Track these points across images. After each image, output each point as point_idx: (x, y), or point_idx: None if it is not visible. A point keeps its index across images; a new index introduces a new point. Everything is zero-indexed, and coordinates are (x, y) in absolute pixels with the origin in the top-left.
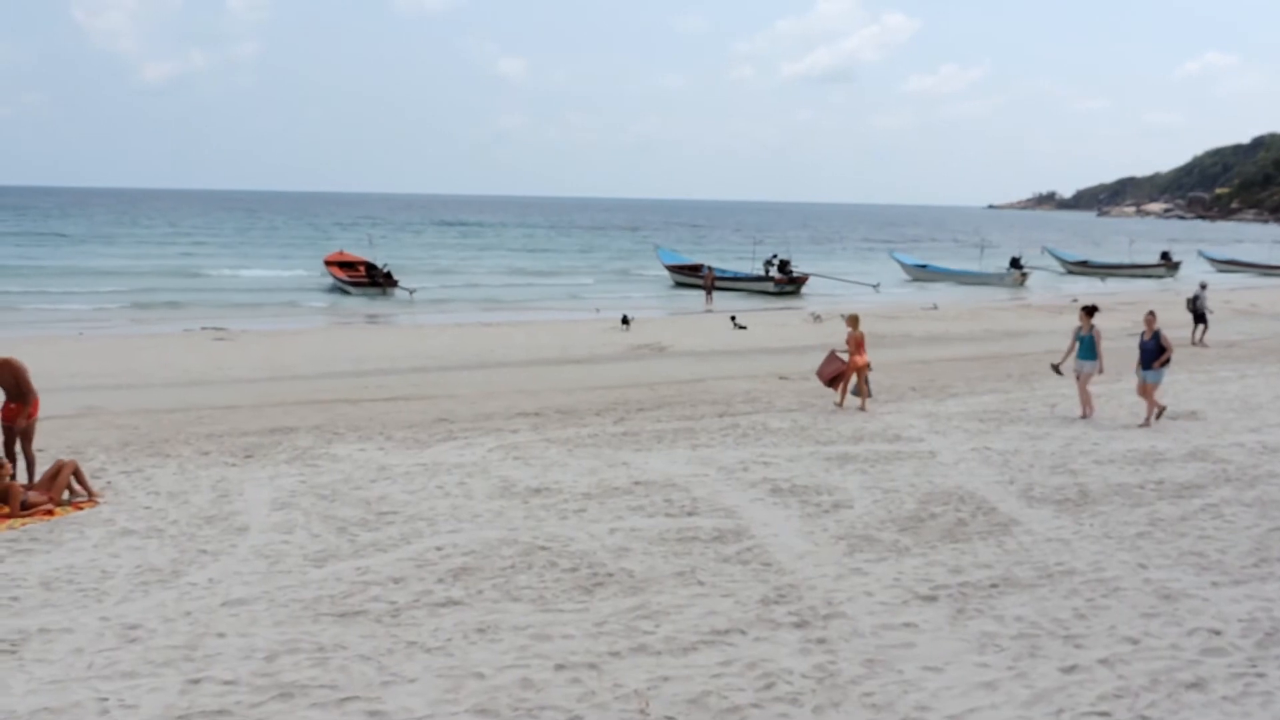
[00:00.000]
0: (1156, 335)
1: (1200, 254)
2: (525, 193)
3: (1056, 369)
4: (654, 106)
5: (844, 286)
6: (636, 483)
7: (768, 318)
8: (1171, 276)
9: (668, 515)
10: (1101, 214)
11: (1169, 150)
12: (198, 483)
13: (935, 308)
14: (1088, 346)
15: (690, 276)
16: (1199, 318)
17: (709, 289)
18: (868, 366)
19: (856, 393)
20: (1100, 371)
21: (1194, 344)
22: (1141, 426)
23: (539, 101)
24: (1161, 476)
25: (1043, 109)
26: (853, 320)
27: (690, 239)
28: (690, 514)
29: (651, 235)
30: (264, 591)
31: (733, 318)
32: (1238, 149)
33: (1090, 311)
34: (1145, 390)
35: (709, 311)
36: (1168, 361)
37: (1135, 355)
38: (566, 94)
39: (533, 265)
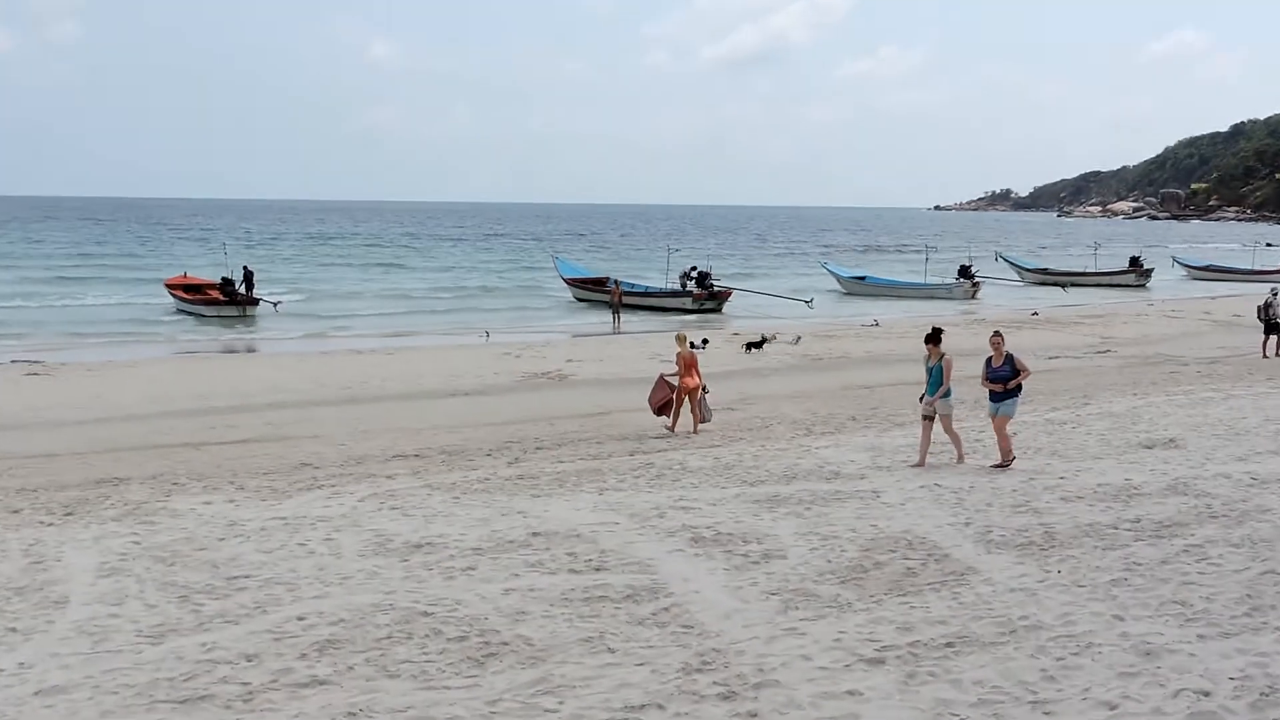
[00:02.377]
0: (1009, 359)
1: (1175, 260)
2: (403, 197)
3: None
4: (553, 97)
5: (773, 302)
6: (535, 534)
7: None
8: (1144, 285)
9: (572, 571)
10: (1063, 214)
11: (1138, 142)
12: (5, 547)
13: (876, 325)
14: (936, 380)
15: (594, 292)
16: (1271, 328)
17: (616, 307)
18: (701, 389)
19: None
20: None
21: (1265, 356)
22: (996, 468)
23: (417, 91)
24: (1138, 514)
25: (995, 96)
26: (680, 339)
27: (595, 248)
28: (598, 569)
29: (550, 244)
30: (87, 676)
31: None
32: (1215, 138)
33: (936, 338)
34: (995, 425)
35: (617, 333)
36: (1018, 390)
37: (1105, 377)
38: (450, 83)
39: (411, 284)
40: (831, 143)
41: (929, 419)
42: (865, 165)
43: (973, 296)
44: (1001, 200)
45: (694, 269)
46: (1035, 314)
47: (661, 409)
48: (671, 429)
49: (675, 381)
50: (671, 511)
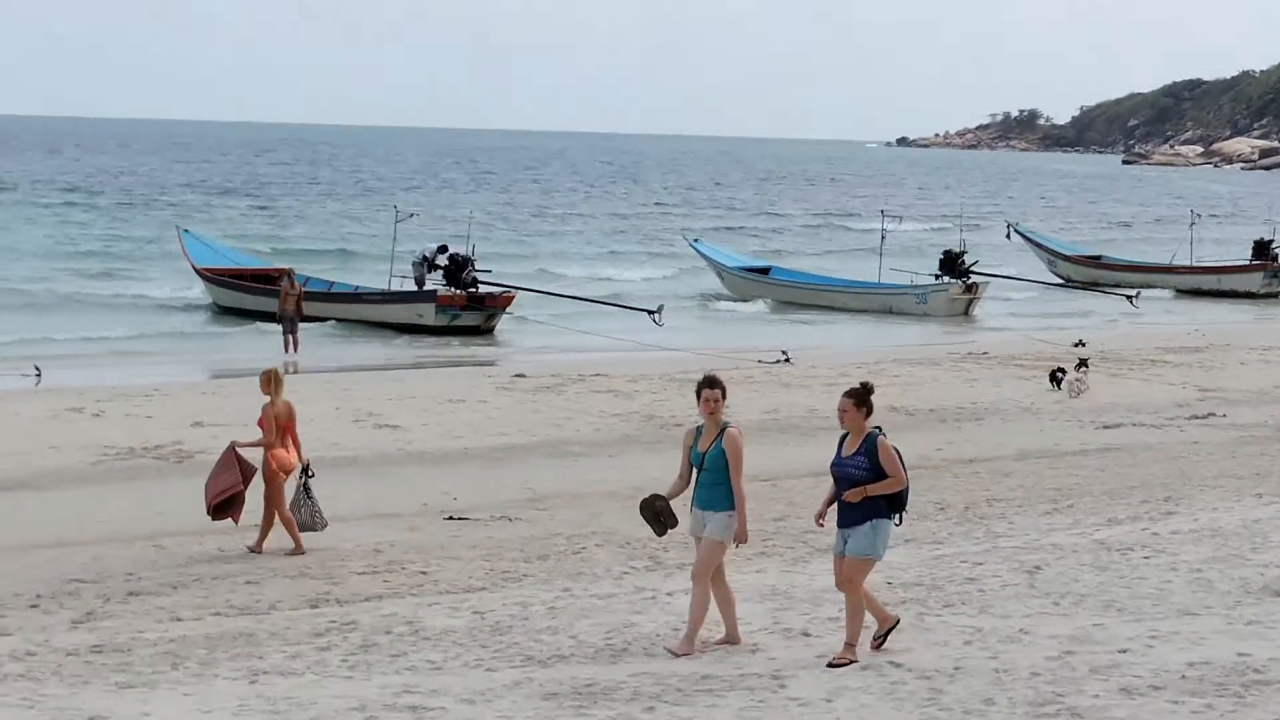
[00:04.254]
0: (870, 447)
1: None
2: None
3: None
4: None
5: (595, 313)
6: None
7: (426, 384)
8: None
9: None
10: (1133, 158)
11: (1259, 37)
12: None
13: (786, 360)
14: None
15: (249, 292)
16: None
17: (291, 317)
18: (304, 472)
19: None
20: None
21: None
22: (877, 647)
23: None
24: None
25: None
26: (268, 380)
27: (268, 208)
28: None
29: (178, 201)
30: None
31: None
32: None
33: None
34: (845, 572)
35: (292, 369)
36: (889, 506)
37: (1204, 463)
38: None
39: None
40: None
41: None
42: (781, 70)
43: (966, 311)
44: (1022, 130)
45: (441, 250)
46: (1081, 344)
47: (223, 506)
48: (257, 548)
49: (256, 456)
50: (389, 717)
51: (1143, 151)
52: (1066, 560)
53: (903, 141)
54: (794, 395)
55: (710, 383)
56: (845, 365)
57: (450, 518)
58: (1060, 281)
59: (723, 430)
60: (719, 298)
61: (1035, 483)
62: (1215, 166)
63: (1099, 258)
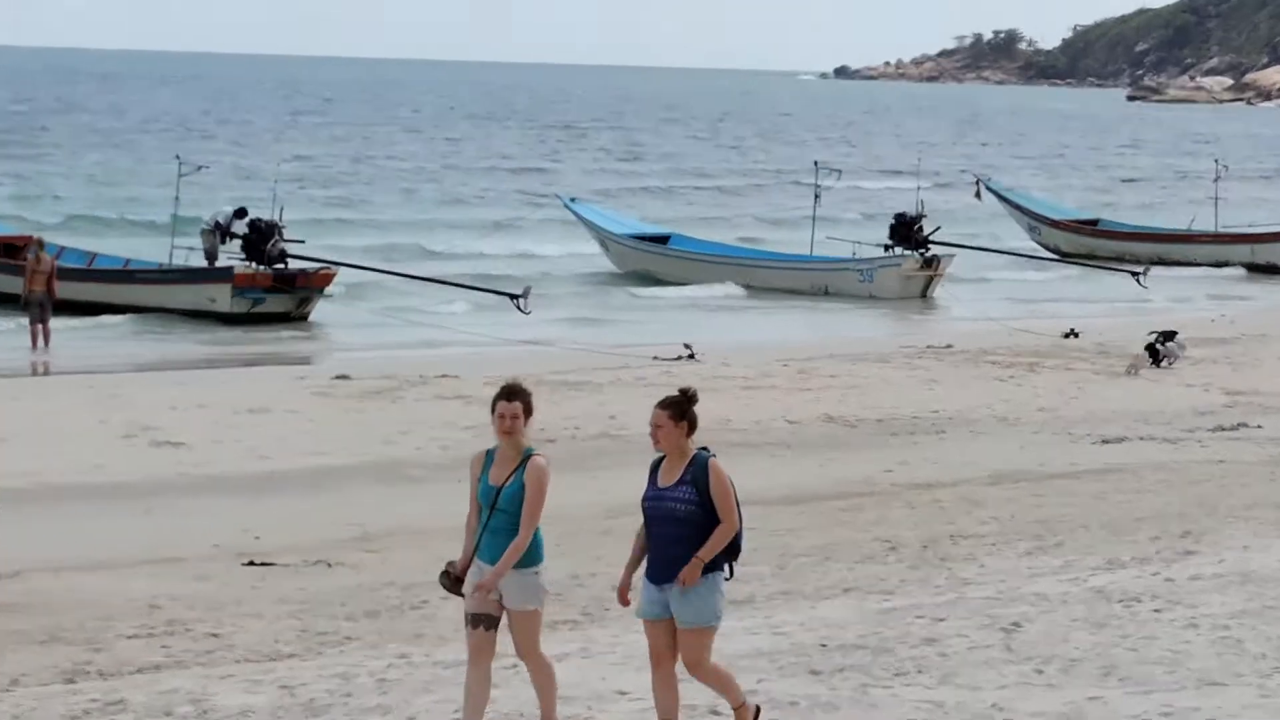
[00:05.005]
0: (698, 473)
1: None
2: None
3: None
4: None
5: (434, 294)
6: None
7: (219, 389)
8: None
9: None
10: (1140, 93)
11: None
12: None
13: (690, 357)
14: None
15: None
16: None
17: (41, 301)
18: None
19: None
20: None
21: None
22: None
23: None
24: None
25: None
26: None
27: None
28: None
29: None
30: None
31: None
32: None
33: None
34: (681, 643)
35: (40, 371)
36: (724, 559)
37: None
38: None
39: None
40: None
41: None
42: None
43: (924, 292)
44: (998, 57)
45: (238, 215)
46: (1073, 334)
47: None
48: None
49: None
50: None
51: (1154, 85)
52: (1054, 615)
53: (843, 72)
54: (701, 402)
55: (508, 392)
56: (767, 363)
57: (251, 563)
58: (1046, 254)
59: (525, 458)
60: (609, 276)
61: (1014, 514)
62: (1249, 104)
63: (1096, 223)
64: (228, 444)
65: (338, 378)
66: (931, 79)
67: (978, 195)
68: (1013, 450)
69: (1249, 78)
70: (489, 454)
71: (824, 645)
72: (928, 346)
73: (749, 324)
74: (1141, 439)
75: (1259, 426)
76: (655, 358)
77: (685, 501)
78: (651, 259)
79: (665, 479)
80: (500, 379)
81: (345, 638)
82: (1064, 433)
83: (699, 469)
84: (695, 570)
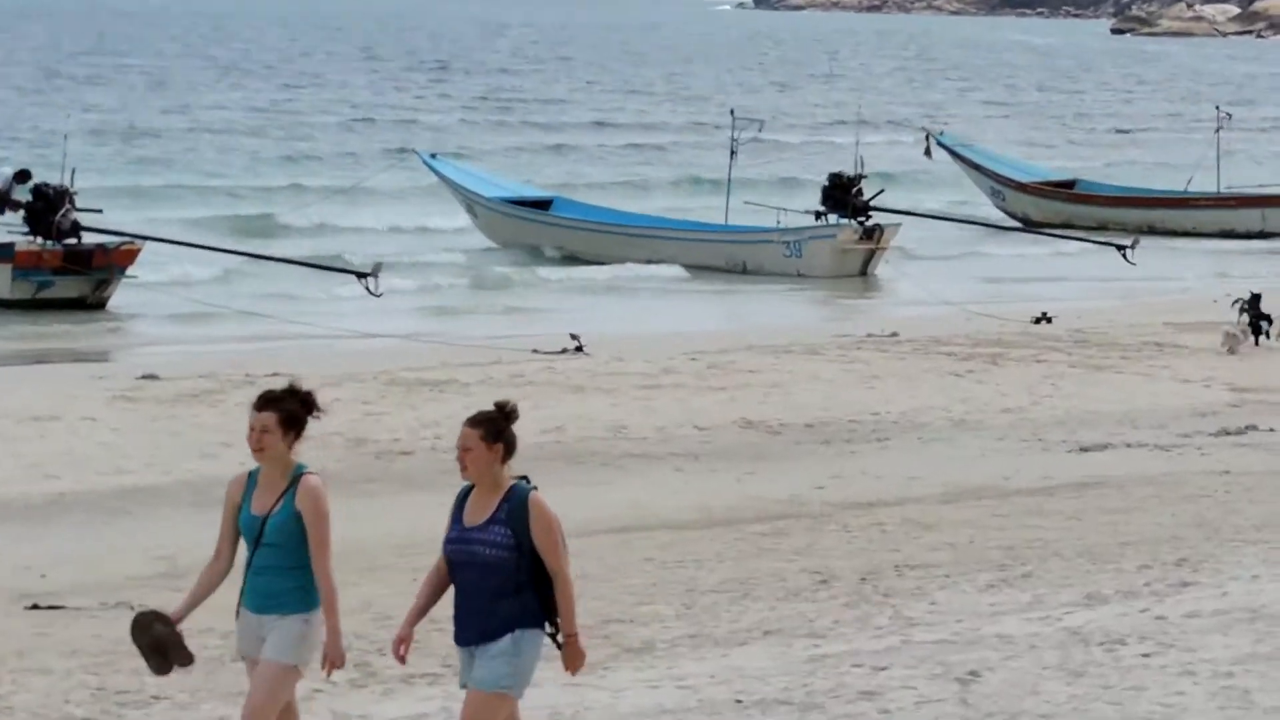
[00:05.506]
0: (516, 509)
1: None
2: None
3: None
4: None
5: (267, 275)
6: None
7: (4, 392)
8: None
9: None
10: (1127, 24)
11: None
12: None
13: (578, 349)
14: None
15: None
16: None
17: None
18: None
19: None
20: None
21: None
22: None
23: None
24: None
25: None
26: None
27: None
28: None
29: None
30: None
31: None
32: None
33: (494, 428)
34: (468, 709)
35: None
36: (540, 612)
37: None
38: None
39: None
40: None
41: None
42: None
43: (864, 269)
44: None
45: (19, 179)
46: (1045, 319)
47: None
48: None
49: None
50: None
51: (1143, 14)
52: (1020, 661)
53: (763, 2)
54: (590, 404)
55: (261, 400)
56: (671, 356)
57: (34, 606)
58: (1013, 223)
59: (295, 479)
60: (480, 255)
61: (973, 539)
62: (1258, 36)
63: (1073, 185)
64: (6, 461)
65: (144, 378)
66: (873, 8)
67: (927, 152)
68: (971, 461)
69: (1259, 5)
70: (251, 477)
71: (739, 701)
72: (868, 335)
73: (650, 309)
74: (1128, 446)
75: (1271, 430)
76: (535, 351)
77: (496, 545)
78: (530, 228)
79: (473, 515)
80: (344, 377)
81: (151, 697)
82: (1034, 439)
83: (516, 505)
84: (577, 654)
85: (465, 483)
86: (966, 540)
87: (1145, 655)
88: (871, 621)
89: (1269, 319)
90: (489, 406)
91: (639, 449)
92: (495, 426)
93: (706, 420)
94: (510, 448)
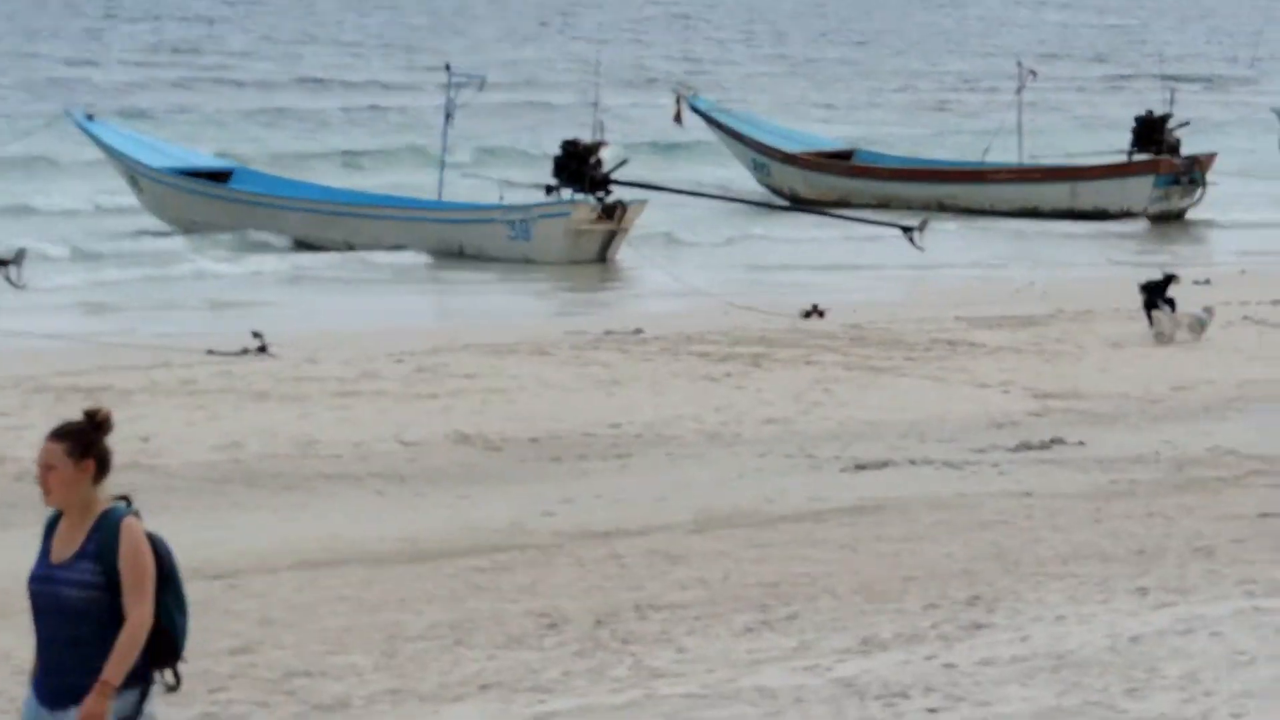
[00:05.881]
0: (106, 540)
1: None
2: None
3: None
4: None
5: None
6: None
7: None
8: (1188, 198)
9: None
10: None
11: None
12: None
13: (261, 350)
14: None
15: None
16: None
17: None
18: None
19: None
20: None
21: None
22: None
23: None
24: None
25: None
26: None
27: None
28: None
29: None
30: None
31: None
32: None
33: (81, 441)
34: None
35: None
36: (162, 663)
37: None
38: None
39: None
40: None
41: None
42: None
43: (603, 254)
44: None
45: None
46: (817, 313)
47: None
48: None
49: None
50: None
51: None
52: (784, 718)
53: None
54: (275, 414)
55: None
56: (373, 357)
57: None
58: (779, 201)
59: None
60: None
61: (728, 574)
62: None
63: (850, 155)
64: None
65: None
66: None
67: (677, 118)
68: (728, 481)
69: None
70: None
71: None
72: (607, 332)
73: (348, 301)
74: (913, 463)
75: (1080, 443)
76: (210, 352)
77: (84, 585)
78: (204, 205)
79: (61, 549)
80: None
81: None
82: (802, 455)
83: (107, 533)
84: (101, 701)
85: (50, 510)
86: (721, 576)
87: (931, 710)
88: (608, 672)
89: (1172, 304)
90: (77, 417)
91: (333, 468)
92: (84, 440)
93: (414, 434)
94: (104, 465)
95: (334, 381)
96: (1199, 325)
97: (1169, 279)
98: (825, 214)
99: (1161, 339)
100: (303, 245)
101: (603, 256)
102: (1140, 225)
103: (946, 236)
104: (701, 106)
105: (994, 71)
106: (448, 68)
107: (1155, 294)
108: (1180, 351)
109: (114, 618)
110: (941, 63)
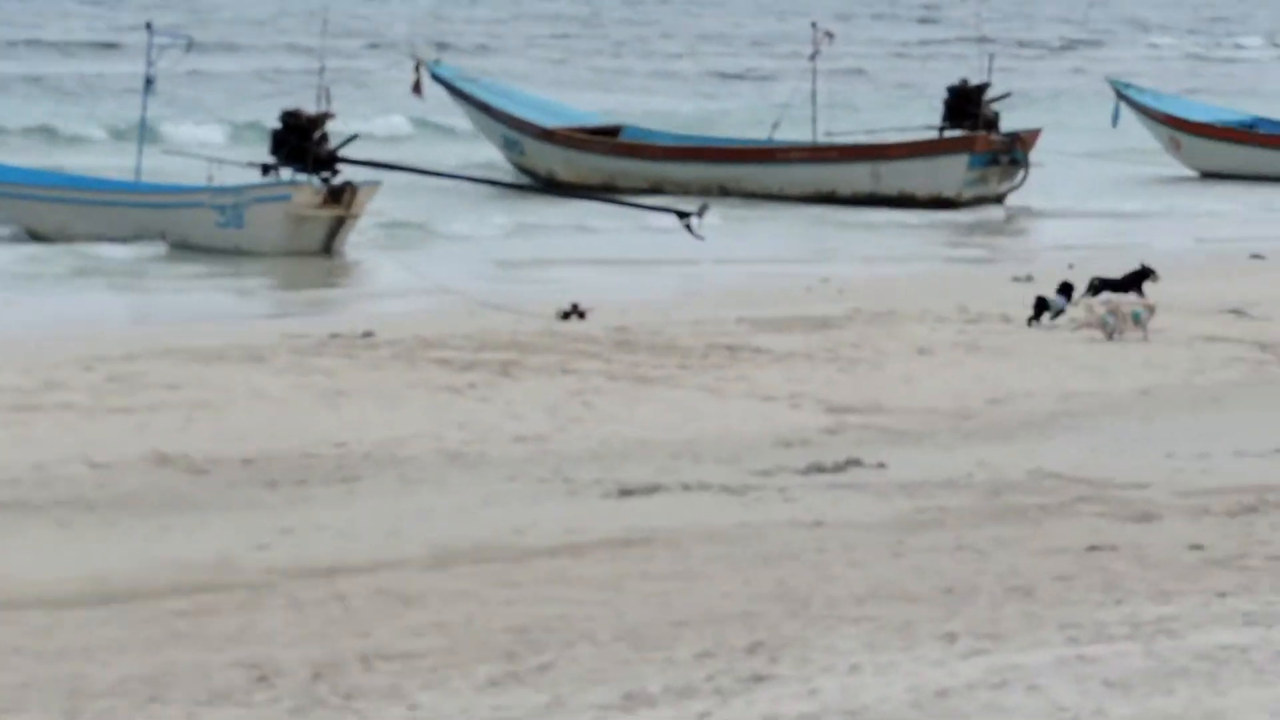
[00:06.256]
0: None
1: (1119, 93)
2: None
3: None
4: None
5: None
6: None
7: None
8: (1007, 181)
9: None
10: None
11: None
12: None
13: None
14: None
15: None
16: None
17: None
18: None
19: None
20: None
21: None
22: None
23: None
24: None
25: None
26: None
27: None
28: None
29: None
30: None
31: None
32: None
33: None
34: None
35: None
36: None
37: None
38: None
39: None
40: None
41: None
42: None
43: (328, 244)
44: None
45: None
46: (577, 313)
47: None
48: None
49: None
50: None
51: None
52: None
53: None
54: None
55: None
56: (53, 364)
57: None
58: (531, 181)
59: None
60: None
61: (471, 618)
62: None
63: (618, 131)
64: None
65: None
66: None
67: (416, 87)
68: (471, 510)
69: None
70: None
71: None
72: (332, 335)
73: (26, 299)
74: (687, 487)
75: (880, 465)
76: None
77: None
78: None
79: None
80: None
81: None
82: (558, 478)
83: None
84: None
85: None
86: (463, 619)
87: None
88: None
89: (1069, 293)
90: None
91: (7, 495)
92: None
93: (105, 454)
94: None
95: (10, 393)
96: (1136, 320)
97: (1146, 272)
98: (588, 199)
99: (1106, 329)
100: None
101: (328, 247)
102: (953, 212)
103: (728, 225)
104: (444, 75)
105: (797, 34)
106: (149, 26)
107: (1118, 288)
108: (996, 360)
109: None
110: (744, 24)
